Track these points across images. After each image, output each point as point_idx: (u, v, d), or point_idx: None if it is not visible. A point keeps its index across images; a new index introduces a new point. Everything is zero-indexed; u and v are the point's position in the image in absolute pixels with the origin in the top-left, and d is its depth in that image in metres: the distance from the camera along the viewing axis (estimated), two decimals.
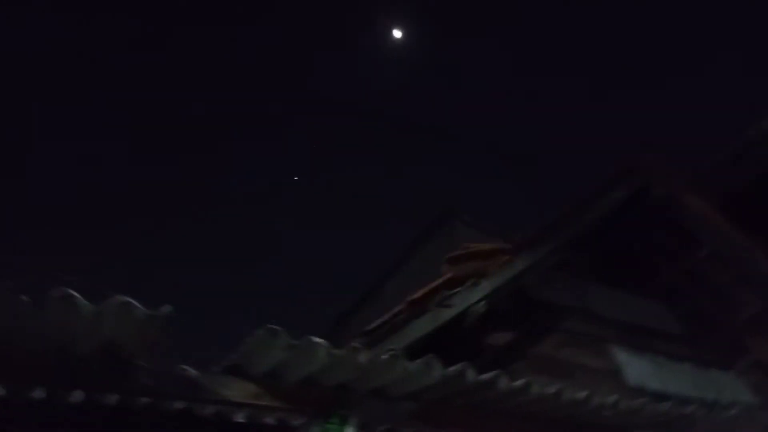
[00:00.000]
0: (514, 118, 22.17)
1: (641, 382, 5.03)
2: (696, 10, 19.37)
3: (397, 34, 21.95)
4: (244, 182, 22.43)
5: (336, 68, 22.50)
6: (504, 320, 4.61)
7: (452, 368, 2.68)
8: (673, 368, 5.39)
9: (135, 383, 2.45)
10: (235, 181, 22.29)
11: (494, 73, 22.58)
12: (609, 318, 5.48)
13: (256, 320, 2.67)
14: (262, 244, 22.02)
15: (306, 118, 22.63)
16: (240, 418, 2.91)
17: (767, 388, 5.49)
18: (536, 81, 22.13)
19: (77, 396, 2.46)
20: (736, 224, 5.44)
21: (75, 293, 2.05)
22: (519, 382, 2.85)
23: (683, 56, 20.28)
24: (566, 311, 5.19)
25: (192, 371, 2.59)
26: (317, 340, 2.47)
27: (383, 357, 2.56)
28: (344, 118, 21.87)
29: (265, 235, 22.01)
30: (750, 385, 5.51)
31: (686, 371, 5.43)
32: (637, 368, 5.21)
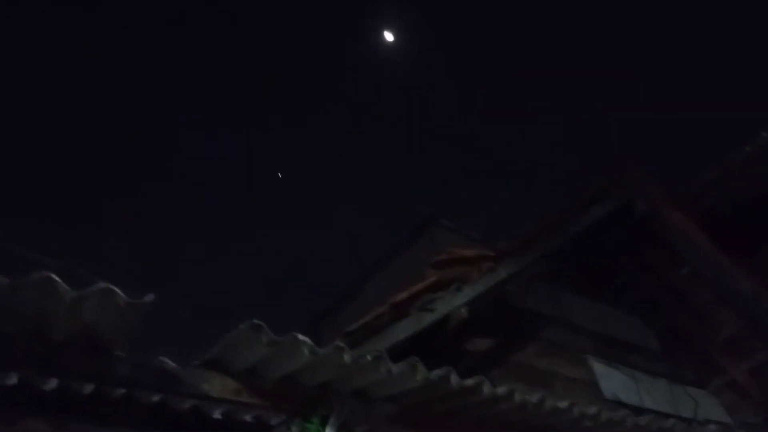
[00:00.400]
0: (503, 123, 22.18)
1: (617, 394, 5.06)
2: (699, 9, 19.39)
3: (389, 36, 21.92)
4: (230, 180, 22.26)
5: (324, 67, 22.43)
6: (485, 327, 4.61)
7: (436, 372, 2.65)
8: (648, 383, 5.43)
9: (112, 373, 2.38)
10: (219, 178, 22.11)
11: (485, 77, 22.61)
12: (588, 329, 5.51)
13: (234, 316, 2.62)
14: (243, 240, 21.84)
15: (292, 116, 22.53)
16: (217, 414, 2.85)
17: (740, 407, 5.55)
18: (527, 85, 22.20)
19: (51, 383, 2.39)
20: (719, 245, 5.49)
21: (55, 277, 1.99)
22: (502, 389, 2.83)
23: (683, 59, 20.31)
24: (546, 321, 5.21)
25: (170, 363, 2.53)
26: (301, 337, 2.43)
27: (368, 358, 2.53)
28: (332, 118, 21.79)
29: (247, 231, 21.85)
30: (723, 405, 5.57)
31: (661, 387, 5.47)
32: (613, 381, 5.25)
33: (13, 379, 2.27)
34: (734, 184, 5.93)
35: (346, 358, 2.49)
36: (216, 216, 21.43)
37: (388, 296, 4.39)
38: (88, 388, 2.45)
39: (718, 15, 19.12)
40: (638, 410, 4.51)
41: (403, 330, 3.97)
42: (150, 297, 2.14)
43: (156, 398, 2.59)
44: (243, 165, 22.09)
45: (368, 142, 21.82)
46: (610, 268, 5.99)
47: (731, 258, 5.47)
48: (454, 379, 2.69)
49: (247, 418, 2.89)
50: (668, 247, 5.74)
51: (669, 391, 5.44)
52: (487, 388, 2.78)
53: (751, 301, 5.47)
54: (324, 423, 2.68)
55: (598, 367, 5.29)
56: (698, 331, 5.89)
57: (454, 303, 4.23)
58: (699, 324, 5.89)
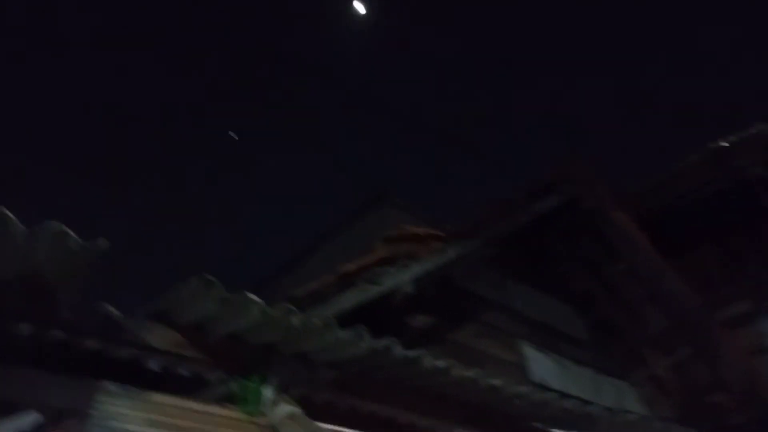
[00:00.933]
0: (471, 107, 22.04)
1: (544, 378, 5.27)
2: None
3: (359, 8, 21.50)
4: (178, 137, 21.61)
5: (287, 36, 21.94)
6: (428, 304, 4.71)
7: (380, 342, 2.71)
8: (575, 371, 5.67)
9: (53, 316, 2.34)
10: (168, 135, 21.42)
11: (454, 56, 22.40)
12: (525, 315, 5.69)
13: (176, 274, 2.61)
14: (192, 202, 21.28)
15: (248, 79, 22.01)
16: (154, 365, 2.83)
17: (658, 401, 5.87)
18: (499, 70, 22.03)
19: None
20: (655, 245, 5.73)
21: (8, 213, 1.93)
22: (441, 363, 2.92)
23: (660, 55, 20.46)
24: (487, 304, 5.36)
25: (114, 311, 2.51)
26: (252, 296, 2.43)
27: (316, 322, 2.56)
28: (293, 83, 21.40)
29: (198, 193, 21.32)
30: (643, 397, 5.87)
31: (587, 375, 5.72)
32: (541, 366, 5.46)
33: None
34: (675, 190, 6.20)
35: (295, 320, 2.52)
36: (162, 177, 20.84)
37: (332, 270, 4.43)
38: (26, 330, 2.40)
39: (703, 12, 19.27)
40: (563, 395, 4.70)
41: (349, 300, 4.01)
42: (103, 242, 2.10)
43: (95, 345, 2.55)
44: (194, 122, 21.50)
45: (331, 113, 21.56)
46: (552, 259, 6.18)
47: (665, 259, 5.74)
48: (398, 349, 2.76)
49: (184, 372, 2.87)
50: (608, 243, 5.96)
51: (593, 380, 5.70)
52: (427, 361, 2.86)
53: (679, 301, 5.77)
54: (263, 382, 2.71)
55: (529, 351, 5.49)
56: (627, 326, 6.17)
57: (400, 278, 4.29)
58: (628, 319, 6.17)
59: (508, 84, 21.85)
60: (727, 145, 5.98)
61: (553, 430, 3.70)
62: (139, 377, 2.79)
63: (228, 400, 2.63)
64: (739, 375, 5.61)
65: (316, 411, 2.84)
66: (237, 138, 20.97)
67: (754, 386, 5.57)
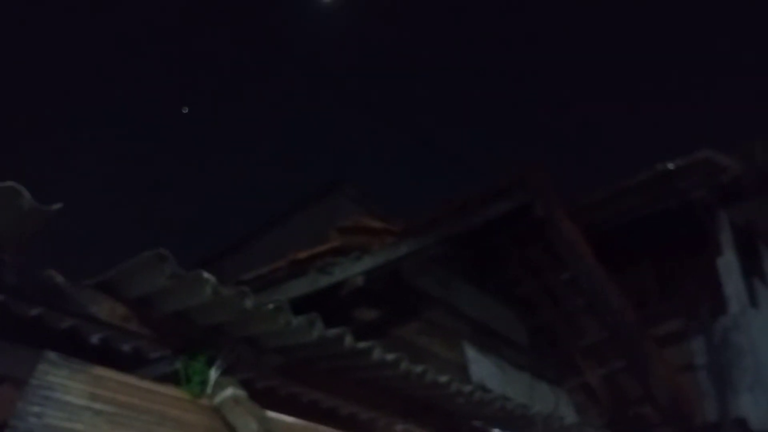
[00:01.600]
0: (434, 100, 21.93)
1: (483, 380, 5.36)
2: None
3: None
4: (135, 111, 20.92)
5: (247, 18, 21.45)
6: (376, 298, 4.73)
7: (332, 330, 2.69)
8: (513, 374, 5.80)
9: None
10: (124, 107, 20.72)
11: (423, 50, 22.25)
12: (468, 316, 5.79)
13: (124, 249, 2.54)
14: (148, 177, 20.62)
15: (205, 65, 21.52)
16: (98, 338, 2.74)
17: (588, 409, 6.06)
18: (467, 65, 21.99)
19: None
20: (599, 258, 5.88)
21: None
22: (391, 356, 2.93)
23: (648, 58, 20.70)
24: (433, 302, 5.41)
25: (59, 278, 2.41)
26: (207, 275, 2.38)
27: (269, 306, 2.52)
28: (250, 70, 21.01)
29: (151, 171, 20.66)
30: (575, 403, 6.05)
31: (524, 379, 5.86)
32: (482, 367, 5.56)
33: None
34: (622, 206, 6.38)
35: (248, 303, 2.47)
36: (115, 152, 20.16)
37: (280, 255, 4.41)
38: None
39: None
40: (502, 397, 4.80)
41: (298, 288, 4.00)
42: (57, 205, 2.01)
43: (39, 312, 2.45)
44: (146, 98, 20.83)
45: (293, 99, 21.17)
46: (500, 262, 6.29)
47: (608, 272, 5.90)
48: (348, 339, 2.75)
49: (126, 348, 2.79)
50: (555, 252, 6.09)
51: (530, 384, 5.84)
52: (377, 353, 2.86)
53: (617, 314, 5.94)
54: (210, 364, 2.66)
55: (471, 353, 5.59)
56: (565, 334, 6.34)
57: (352, 270, 4.31)
58: (567, 327, 6.34)
59: (479, 83, 21.92)
60: (672, 167, 6.18)
61: (493, 429, 3.77)
62: (82, 349, 2.69)
63: (172, 378, 2.57)
64: (666, 390, 5.83)
65: (257, 396, 2.80)
66: (187, 111, 20.46)
67: (679, 401, 5.80)
